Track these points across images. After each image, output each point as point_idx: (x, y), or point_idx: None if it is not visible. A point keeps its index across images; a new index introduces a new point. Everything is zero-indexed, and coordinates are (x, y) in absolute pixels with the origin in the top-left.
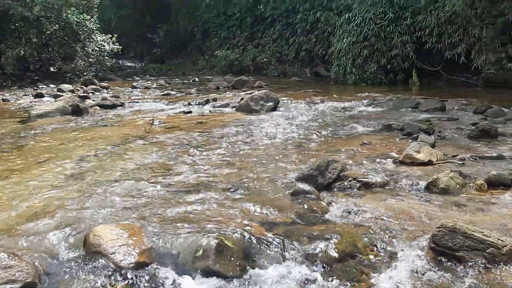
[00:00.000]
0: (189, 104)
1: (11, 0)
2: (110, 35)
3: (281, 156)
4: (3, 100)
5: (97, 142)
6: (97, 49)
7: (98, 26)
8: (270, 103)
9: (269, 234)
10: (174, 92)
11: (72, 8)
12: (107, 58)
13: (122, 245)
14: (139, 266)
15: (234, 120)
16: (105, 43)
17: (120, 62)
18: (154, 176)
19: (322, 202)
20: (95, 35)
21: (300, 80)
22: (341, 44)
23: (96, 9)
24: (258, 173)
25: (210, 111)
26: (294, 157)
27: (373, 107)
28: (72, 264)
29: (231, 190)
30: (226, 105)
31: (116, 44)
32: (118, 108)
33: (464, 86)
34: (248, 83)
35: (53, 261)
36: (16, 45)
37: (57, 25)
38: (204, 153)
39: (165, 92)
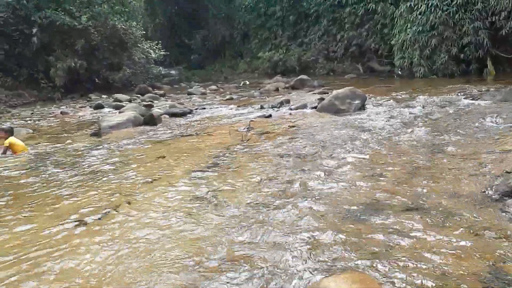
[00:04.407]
0: (262, 107)
1: (58, 11)
2: (156, 42)
3: (430, 162)
4: (61, 113)
5: (195, 155)
6: (144, 56)
7: (143, 33)
8: (357, 101)
9: None
10: (236, 96)
11: (117, 16)
12: (153, 66)
13: None
14: None
15: (326, 122)
16: (151, 50)
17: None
18: (300, 195)
19: None
20: (141, 43)
21: (356, 77)
22: (405, 35)
23: (141, 16)
24: (427, 186)
25: (290, 113)
26: (450, 164)
27: (477, 100)
28: None
29: (420, 212)
30: (304, 106)
31: (162, 50)
32: (188, 115)
33: None
34: (309, 82)
35: None
36: (65, 57)
37: (104, 34)
38: (332, 163)
39: (227, 96)
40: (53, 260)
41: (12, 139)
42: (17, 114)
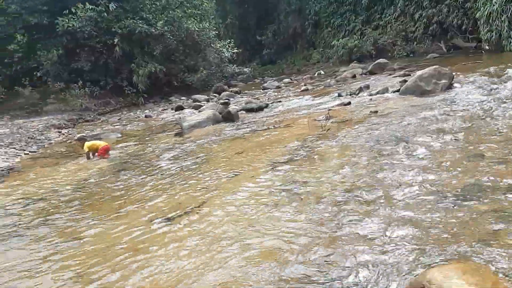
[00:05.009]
0: (340, 95)
1: (136, 20)
2: (228, 40)
3: None
4: (146, 116)
5: (275, 148)
6: (218, 56)
7: (216, 33)
8: (444, 81)
9: None
10: (311, 87)
11: (191, 19)
12: (227, 64)
13: None
14: None
15: (411, 105)
16: (224, 49)
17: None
18: (391, 183)
19: None
20: (214, 43)
21: (439, 56)
22: (490, 6)
23: (213, 16)
24: None
25: (371, 99)
26: None
27: None
28: None
29: None
30: (385, 91)
31: (235, 48)
32: (265, 110)
33: None
34: (388, 65)
35: None
36: (145, 63)
37: (179, 37)
38: (423, 147)
39: (302, 88)
40: (139, 256)
41: (88, 143)
42: (106, 121)
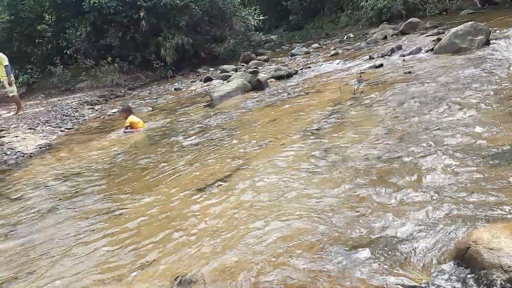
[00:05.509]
0: (371, 58)
1: None
2: (254, 7)
3: None
4: (175, 89)
5: (307, 115)
6: (244, 24)
7: (241, 0)
8: (480, 37)
9: None
10: (341, 51)
11: None
12: (253, 32)
13: None
14: None
15: (446, 64)
16: (250, 17)
17: None
18: (429, 144)
19: None
20: (240, 11)
21: (474, 12)
22: None
23: None
24: None
25: (403, 60)
26: None
27: None
28: None
29: None
30: (418, 50)
31: (261, 16)
32: (294, 76)
33: None
34: (421, 25)
35: None
36: (172, 35)
37: (204, 7)
38: (460, 106)
39: (332, 52)
40: (178, 225)
41: (131, 118)
42: (137, 95)
